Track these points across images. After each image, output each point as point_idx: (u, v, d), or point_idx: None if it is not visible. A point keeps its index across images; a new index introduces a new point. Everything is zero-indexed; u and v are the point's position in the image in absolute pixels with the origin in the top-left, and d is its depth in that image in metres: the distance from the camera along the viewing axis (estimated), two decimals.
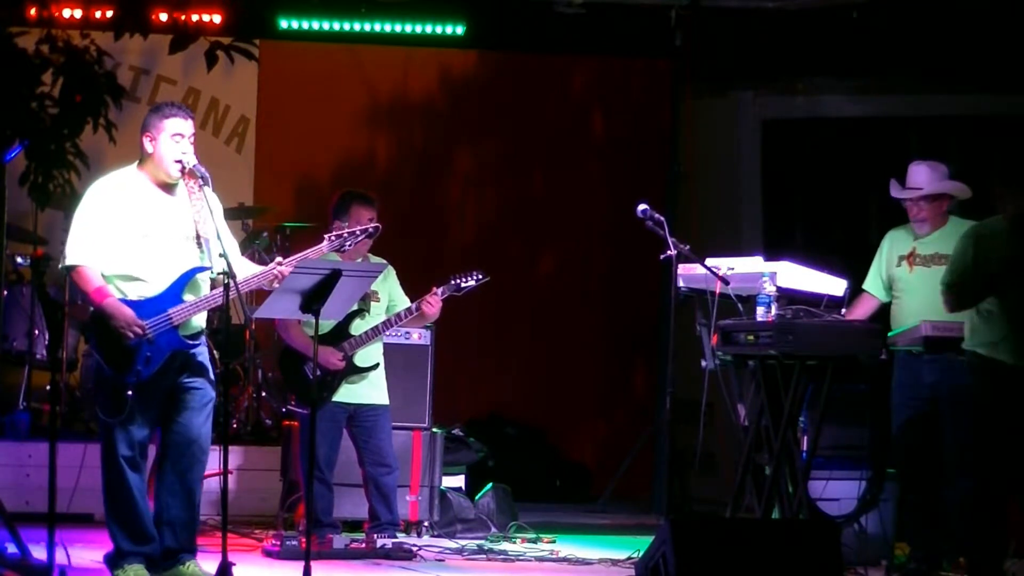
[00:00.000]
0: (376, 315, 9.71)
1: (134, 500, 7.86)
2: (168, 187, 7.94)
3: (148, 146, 7.91)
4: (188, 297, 7.84)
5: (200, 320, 7.90)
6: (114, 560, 7.95)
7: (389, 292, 9.81)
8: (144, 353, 7.76)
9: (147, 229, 7.84)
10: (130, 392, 7.75)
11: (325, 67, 13.31)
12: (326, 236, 8.52)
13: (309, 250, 8.40)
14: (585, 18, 12.91)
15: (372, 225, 8.70)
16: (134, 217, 7.83)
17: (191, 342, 7.87)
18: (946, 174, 9.30)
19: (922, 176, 9.24)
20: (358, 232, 8.51)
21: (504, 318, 13.44)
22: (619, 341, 13.87)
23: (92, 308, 7.87)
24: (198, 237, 7.76)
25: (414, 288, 9.79)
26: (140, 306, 7.77)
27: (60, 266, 7.99)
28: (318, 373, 9.26)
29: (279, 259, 8.02)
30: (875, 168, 10.26)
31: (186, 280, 7.84)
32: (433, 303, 9.57)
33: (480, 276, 9.67)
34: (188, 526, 8.00)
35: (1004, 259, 8.51)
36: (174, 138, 7.86)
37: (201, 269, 7.79)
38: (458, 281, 9.63)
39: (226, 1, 11.84)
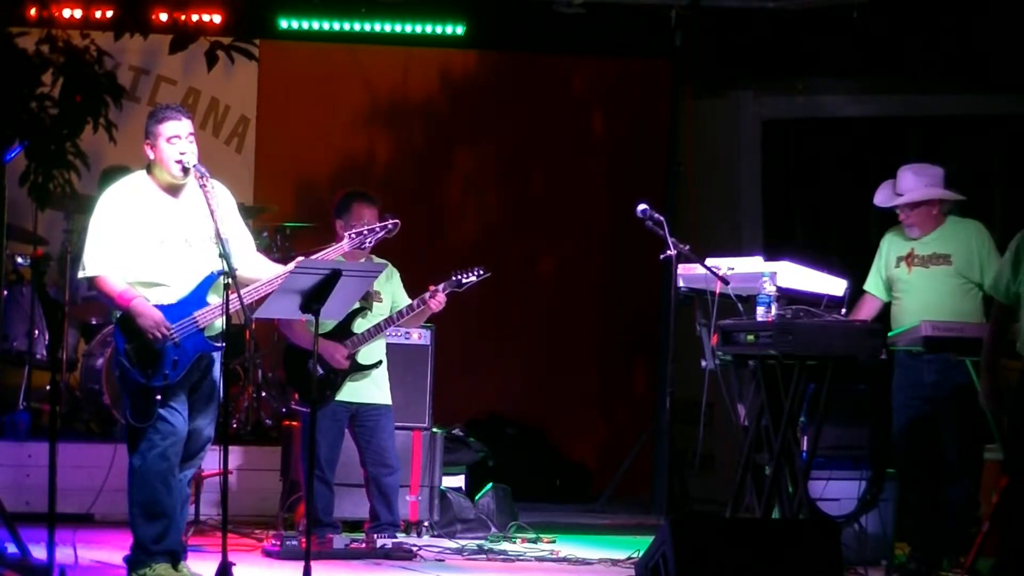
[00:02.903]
0: (378, 315, 9.71)
1: (172, 499, 7.89)
2: (178, 190, 7.95)
3: (150, 152, 7.93)
4: (212, 299, 7.86)
5: (222, 321, 7.87)
6: (136, 561, 7.96)
7: (392, 293, 9.81)
8: (171, 357, 7.78)
9: (163, 234, 7.86)
10: (158, 396, 7.77)
11: (325, 67, 13.32)
12: (346, 234, 8.54)
13: (329, 248, 8.42)
14: (585, 18, 12.91)
15: (391, 222, 8.69)
16: (149, 223, 7.85)
17: (216, 344, 7.90)
18: (937, 177, 9.25)
19: (907, 182, 9.22)
20: (377, 229, 8.53)
21: (504, 318, 13.45)
22: (619, 341, 13.87)
23: (119, 313, 7.87)
24: (217, 237, 7.73)
25: (414, 288, 9.79)
26: (165, 311, 7.80)
27: (80, 277, 8.00)
28: (320, 372, 9.28)
29: (300, 258, 8.03)
30: (875, 168, 10.24)
31: (210, 283, 7.87)
32: (439, 299, 9.55)
33: (481, 272, 9.67)
34: (178, 525, 8.03)
35: None
36: (171, 140, 7.87)
37: (222, 271, 7.75)
38: (459, 277, 9.63)
39: (226, 1, 11.83)
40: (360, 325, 9.62)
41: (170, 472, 7.86)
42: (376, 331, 9.63)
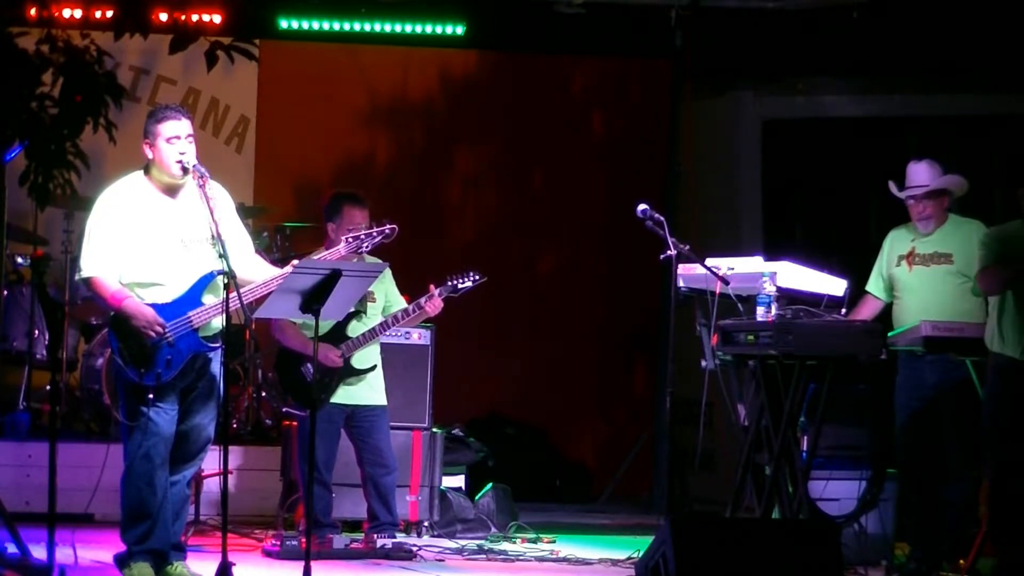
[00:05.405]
0: (372, 316, 9.69)
1: (156, 500, 7.88)
2: (176, 190, 7.94)
3: (149, 152, 7.93)
4: (208, 299, 7.86)
5: (219, 322, 7.88)
6: (124, 560, 7.97)
7: (386, 293, 9.80)
8: (164, 356, 7.78)
9: (159, 235, 7.85)
10: (151, 395, 7.77)
11: (325, 67, 13.32)
12: (343, 238, 8.53)
13: (327, 252, 8.40)
14: (585, 18, 12.91)
15: (389, 227, 8.66)
16: (145, 224, 7.85)
17: (211, 344, 7.89)
18: (942, 172, 9.30)
19: (923, 174, 9.25)
20: (375, 234, 8.52)
21: (504, 318, 13.44)
22: (619, 341, 13.87)
23: (112, 313, 7.88)
24: (214, 238, 7.73)
25: (414, 289, 9.78)
26: (160, 310, 7.80)
27: (76, 278, 8.01)
28: (317, 376, 9.26)
29: (296, 261, 8.03)
30: (875, 168, 10.27)
31: (205, 283, 7.86)
32: (436, 303, 9.55)
33: (477, 277, 9.65)
34: (178, 524, 8.04)
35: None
36: (171, 141, 7.87)
37: (221, 271, 7.75)
38: (455, 282, 9.61)
39: (226, 1, 11.83)
40: (355, 328, 9.61)
41: (154, 472, 7.85)
42: (371, 335, 9.62)
